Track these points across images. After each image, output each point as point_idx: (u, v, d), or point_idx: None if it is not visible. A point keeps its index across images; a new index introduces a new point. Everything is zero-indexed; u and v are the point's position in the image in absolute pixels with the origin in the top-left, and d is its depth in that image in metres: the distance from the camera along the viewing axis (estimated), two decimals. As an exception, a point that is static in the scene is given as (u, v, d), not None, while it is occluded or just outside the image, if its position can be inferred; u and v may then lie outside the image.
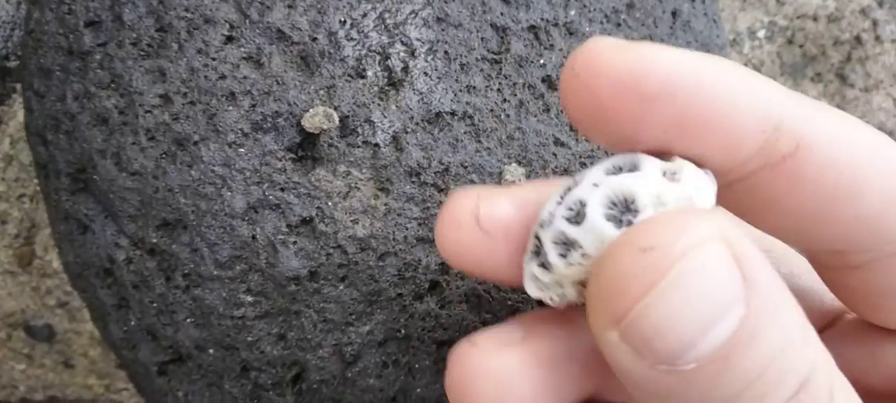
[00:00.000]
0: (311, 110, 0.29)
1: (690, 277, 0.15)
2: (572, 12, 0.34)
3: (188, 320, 0.29)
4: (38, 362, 0.47)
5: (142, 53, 0.30)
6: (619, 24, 0.35)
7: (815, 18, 0.49)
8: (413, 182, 0.30)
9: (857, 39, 0.50)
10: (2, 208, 0.40)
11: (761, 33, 0.50)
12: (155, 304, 0.29)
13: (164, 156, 0.29)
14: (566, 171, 0.31)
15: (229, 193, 0.29)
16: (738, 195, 0.19)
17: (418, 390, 0.30)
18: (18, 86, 0.40)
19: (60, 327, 0.42)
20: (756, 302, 0.15)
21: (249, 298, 0.29)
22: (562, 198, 0.19)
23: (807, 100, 0.19)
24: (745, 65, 0.49)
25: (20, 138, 0.40)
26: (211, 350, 0.29)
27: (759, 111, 0.18)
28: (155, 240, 0.29)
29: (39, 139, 0.32)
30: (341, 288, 0.29)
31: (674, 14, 0.36)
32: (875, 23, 0.50)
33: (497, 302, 0.30)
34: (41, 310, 0.42)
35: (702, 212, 0.17)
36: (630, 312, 0.15)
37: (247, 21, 0.30)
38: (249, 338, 0.29)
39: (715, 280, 0.15)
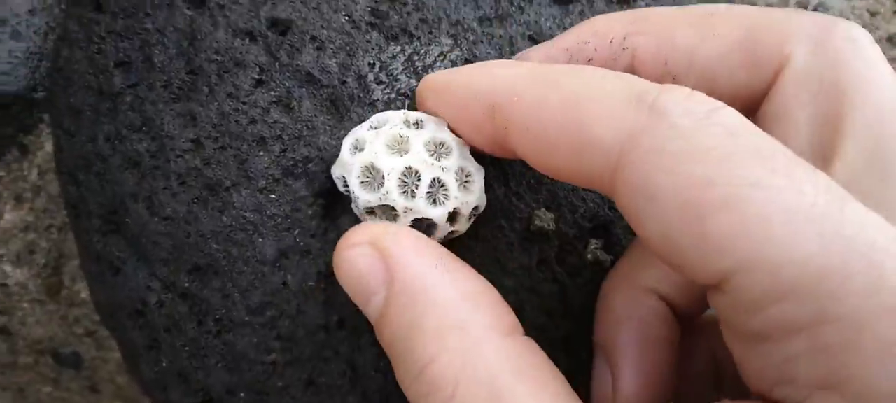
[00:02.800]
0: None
1: (344, 267, 0.24)
2: (601, 51, 0.34)
3: (219, 364, 0.29)
4: (64, 385, 0.48)
5: (173, 96, 0.30)
6: (648, 63, 0.34)
7: None
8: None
9: (887, 65, 0.49)
10: (30, 238, 0.41)
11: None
12: (186, 348, 0.29)
13: (195, 201, 0.29)
14: (594, 217, 0.31)
15: (260, 239, 0.29)
16: None
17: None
18: (46, 116, 0.41)
19: (87, 355, 0.43)
20: (394, 291, 0.23)
21: (279, 344, 0.29)
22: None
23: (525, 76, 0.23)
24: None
25: (48, 169, 0.40)
26: (242, 394, 0.29)
27: (479, 93, 0.24)
28: (187, 285, 0.29)
29: (70, 178, 0.32)
30: (372, 335, 0.29)
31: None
32: (905, 48, 0.50)
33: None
34: (69, 338, 0.42)
35: (377, 225, 0.25)
36: None
37: (277, 64, 0.30)
38: (279, 384, 0.29)
39: (358, 269, 0.23)
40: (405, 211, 0.25)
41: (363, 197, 0.26)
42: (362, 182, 0.26)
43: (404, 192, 0.25)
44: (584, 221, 0.31)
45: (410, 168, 0.25)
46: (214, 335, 0.29)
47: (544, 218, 0.30)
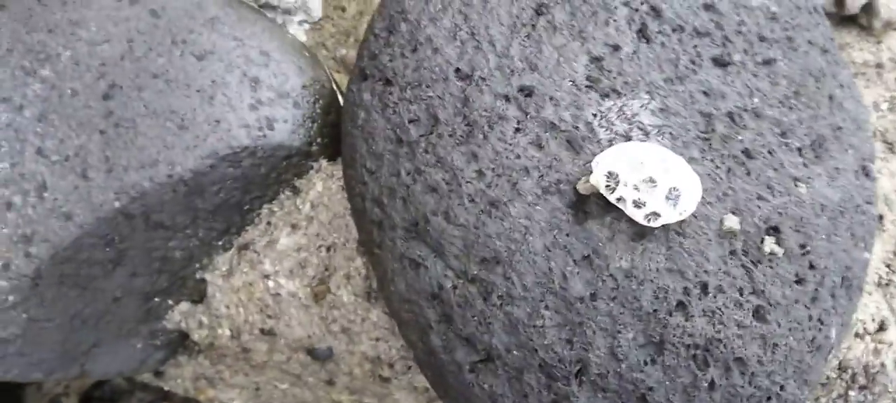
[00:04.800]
0: (581, 178, 0.41)
1: None
2: (756, 100, 0.45)
3: (501, 329, 0.40)
4: (303, 380, 0.60)
5: (457, 142, 0.43)
6: (791, 108, 0.46)
7: (930, 91, 0.59)
8: (660, 229, 0.41)
9: (969, 107, 0.59)
10: (303, 256, 0.53)
11: (884, 105, 0.60)
12: (475, 318, 0.41)
13: (482, 212, 0.41)
14: (768, 220, 0.42)
15: (531, 237, 0.40)
16: None
17: (669, 382, 0.40)
18: (315, 164, 0.54)
19: (338, 349, 0.54)
20: None
21: (547, 313, 0.40)
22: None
23: None
24: (873, 134, 0.59)
25: (319, 203, 0.53)
26: (515, 352, 0.40)
27: None
28: (476, 272, 0.41)
29: (375, 203, 0.45)
30: (612, 305, 0.40)
31: (830, 98, 0.47)
32: (984, 92, 0.59)
33: (727, 317, 0.40)
34: (325, 336, 0.54)
35: None
36: None
37: (527, 116, 0.43)
38: (545, 342, 0.40)
39: None
40: (663, 180, 0.37)
41: (632, 174, 0.38)
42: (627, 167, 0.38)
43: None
44: (760, 223, 0.42)
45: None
46: (498, 307, 0.40)
47: (732, 221, 0.41)
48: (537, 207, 0.41)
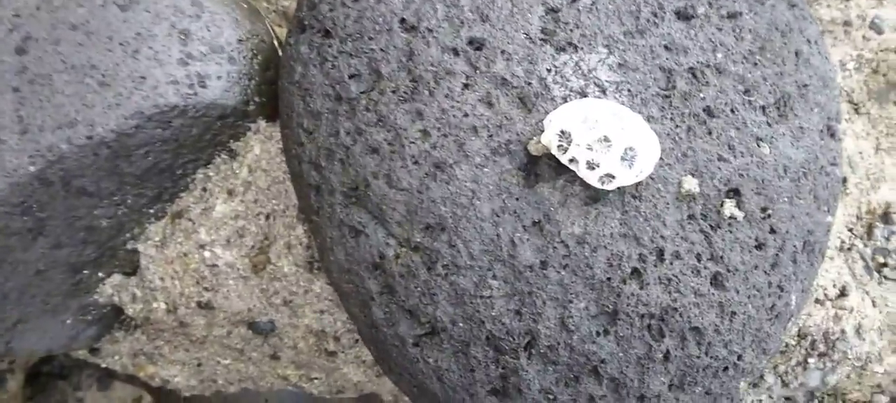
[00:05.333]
0: (533, 139, 0.38)
1: None
2: (719, 55, 0.43)
3: (445, 300, 0.38)
4: (246, 355, 0.57)
5: (401, 99, 0.39)
6: (755, 64, 0.43)
7: (896, 50, 0.57)
8: (615, 191, 0.38)
9: (935, 67, 0.57)
10: (241, 224, 0.49)
11: (851, 65, 0.58)
12: (418, 289, 0.38)
13: (426, 175, 0.38)
14: (729, 181, 0.40)
15: (478, 202, 0.37)
16: None
17: (622, 354, 0.38)
18: (253, 125, 0.50)
19: (280, 322, 0.51)
20: None
21: (495, 282, 0.37)
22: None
23: None
24: (839, 93, 0.57)
25: (257, 167, 0.49)
26: (461, 324, 0.38)
27: None
28: (419, 240, 0.38)
29: (312, 166, 0.41)
30: (563, 273, 0.37)
31: (797, 54, 0.45)
32: (949, 52, 0.58)
33: (683, 285, 0.38)
34: (267, 309, 0.51)
35: None
36: None
37: (477, 72, 0.40)
38: (493, 313, 0.37)
39: None
40: (618, 140, 0.34)
41: (585, 133, 0.35)
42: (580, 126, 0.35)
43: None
44: (720, 185, 0.39)
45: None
46: (443, 277, 0.38)
47: (690, 183, 0.39)
48: (485, 169, 0.38)
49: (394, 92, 0.40)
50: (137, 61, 0.47)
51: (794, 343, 0.50)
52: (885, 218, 0.54)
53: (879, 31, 0.59)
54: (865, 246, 0.53)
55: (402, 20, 0.41)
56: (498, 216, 0.37)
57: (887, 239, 0.54)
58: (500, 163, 0.38)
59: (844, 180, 0.54)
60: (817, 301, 0.50)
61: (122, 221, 0.51)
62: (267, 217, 0.50)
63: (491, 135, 0.38)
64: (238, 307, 0.51)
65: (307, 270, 0.49)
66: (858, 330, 0.51)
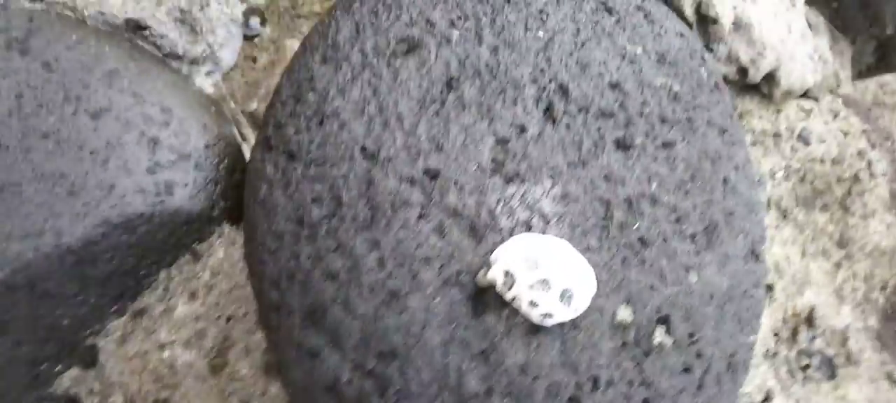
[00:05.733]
0: (481, 270, 0.41)
1: None
2: (654, 185, 0.46)
3: (397, 424, 0.40)
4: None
5: (359, 227, 0.42)
6: (686, 193, 0.47)
7: (821, 161, 0.62)
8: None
9: (856, 177, 0.63)
10: (201, 326, 0.51)
11: (780, 174, 0.63)
12: (371, 412, 0.40)
13: (381, 304, 0.41)
14: (659, 309, 0.43)
15: (429, 332, 0.40)
16: None
17: (560, 474, 0.41)
18: (217, 229, 0.52)
19: (238, 420, 0.53)
20: None
21: (443, 408, 0.40)
22: None
23: None
24: (768, 200, 0.62)
25: (219, 271, 0.51)
26: (411, 446, 0.40)
27: None
28: (372, 366, 0.40)
29: (273, 286, 0.43)
30: (506, 401, 0.40)
31: (724, 181, 0.49)
32: (870, 162, 0.63)
33: (617, 409, 0.41)
34: (225, 406, 0.52)
35: None
36: None
37: (431, 202, 0.43)
38: (441, 437, 0.40)
39: None
40: (557, 282, 0.38)
41: (527, 275, 0.38)
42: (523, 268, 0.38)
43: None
44: (651, 313, 0.43)
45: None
46: None
47: (624, 313, 0.42)
48: (436, 299, 0.41)
49: (353, 220, 0.42)
50: (106, 170, 0.48)
51: (724, 443, 0.54)
52: (809, 321, 0.59)
53: (806, 143, 0.64)
54: (790, 349, 0.57)
55: (364, 148, 0.44)
56: (447, 345, 0.40)
57: (811, 341, 0.58)
58: (450, 293, 0.41)
59: (770, 287, 0.58)
60: (745, 405, 0.54)
61: (84, 319, 0.52)
62: (227, 319, 0.51)
63: (443, 266, 0.41)
64: (196, 404, 0.53)
65: (264, 373, 0.51)
66: (783, 431, 0.55)
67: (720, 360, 0.44)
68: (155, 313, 0.52)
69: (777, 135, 0.63)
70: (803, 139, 0.64)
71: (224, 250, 0.52)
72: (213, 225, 0.52)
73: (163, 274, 0.52)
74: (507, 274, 0.39)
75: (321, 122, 0.45)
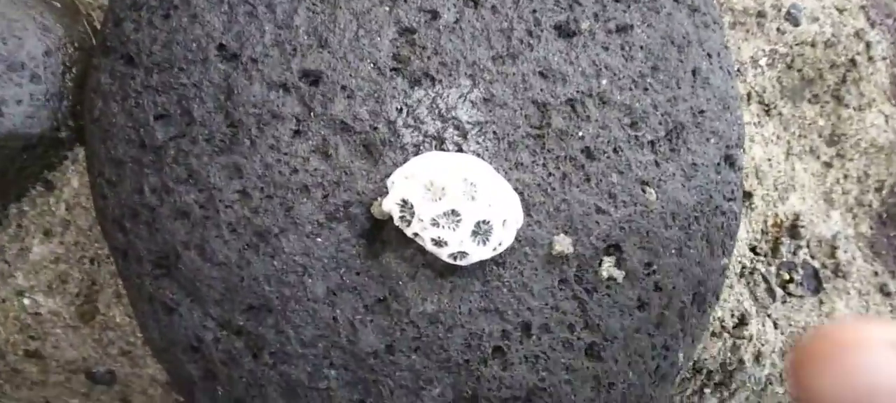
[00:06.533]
0: (377, 199, 0.32)
1: (864, 370, 0.19)
2: (604, 82, 0.37)
3: (276, 393, 0.32)
4: (95, 398, 0.50)
5: (216, 149, 0.32)
6: (646, 89, 0.37)
7: (812, 44, 0.53)
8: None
9: (852, 62, 0.53)
10: (61, 269, 0.42)
11: (763, 61, 0.53)
12: (244, 379, 0.32)
13: (246, 247, 0.31)
14: (607, 237, 0.35)
15: (310, 280, 0.31)
16: None
17: (483, 442, 0.33)
18: (70, 154, 0.42)
19: (121, 372, 0.45)
20: None
21: (333, 372, 0.32)
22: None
23: None
24: (747, 93, 0.52)
25: (76, 204, 0.42)
26: (296, 418, 0.32)
27: None
28: (241, 323, 0.32)
29: (116, 226, 0.34)
30: (414, 357, 0.32)
31: (694, 72, 0.39)
32: (868, 44, 0.53)
33: (553, 362, 0.33)
34: (103, 358, 0.44)
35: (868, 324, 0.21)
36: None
37: (311, 114, 0.33)
38: (332, 407, 0.32)
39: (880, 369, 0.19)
40: (469, 213, 0.28)
41: (429, 206, 0.29)
42: (424, 196, 0.29)
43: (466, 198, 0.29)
44: (598, 242, 0.34)
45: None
46: (270, 367, 0.32)
47: (563, 243, 0.33)
48: (318, 239, 0.32)
49: (207, 140, 0.32)
50: None
51: (688, 375, 0.47)
52: (793, 231, 0.51)
53: (796, 23, 0.54)
54: (770, 265, 0.49)
55: (221, 46, 0.33)
56: (335, 294, 0.32)
57: (793, 253, 0.50)
58: (336, 230, 0.32)
59: (749, 195, 0.50)
60: (714, 333, 0.47)
61: (-79, 266, 0.43)
62: (91, 261, 0.42)
63: (326, 196, 0.32)
64: (71, 356, 0.45)
65: (143, 324, 0.42)
66: (757, 358, 0.48)
67: (684, 292, 0.36)
68: (9, 254, 0.43)
69: (761, 15, 0.53)
70: (792, 18, 0.53)
71: (79, 178, 0.42)
72: (62, 149, 0.42)
73: (13, 209, 0.43)
74: (404, 203, 0.29)
75: (166, 15, 0.34)
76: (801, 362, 0.21)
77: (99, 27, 0.46)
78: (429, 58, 0.34)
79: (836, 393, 0.20)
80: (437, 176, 0.29)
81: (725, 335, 0.47)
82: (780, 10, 0.53)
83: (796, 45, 0.53)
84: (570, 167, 0.35)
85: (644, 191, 0.36)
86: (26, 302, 0.43)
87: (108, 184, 0.34)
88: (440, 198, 0.29)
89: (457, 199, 0.29)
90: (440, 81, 0.34)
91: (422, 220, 0.29)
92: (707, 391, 0.48)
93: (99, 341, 0.44)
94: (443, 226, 0.29)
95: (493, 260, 0.32)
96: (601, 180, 0.35)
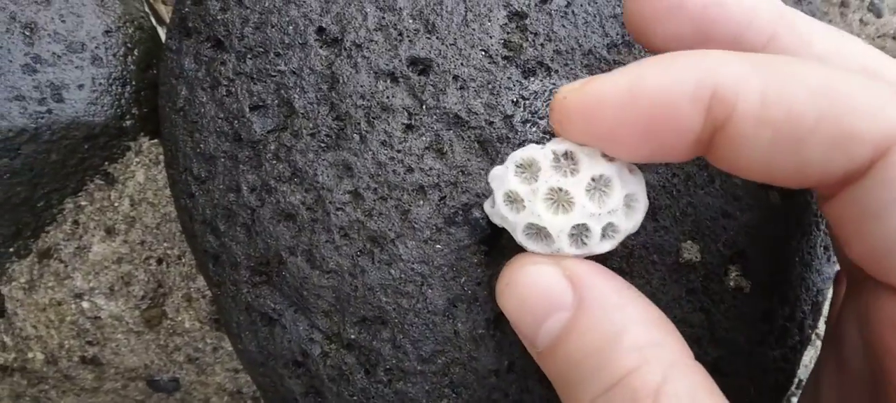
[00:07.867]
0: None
1: (523, 284, 0.24)
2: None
3: (388, 411, 0.30)
4: (151, 406, 0.47)
5: (322, 145, 0.29)
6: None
7: (894, 37, 0.51)
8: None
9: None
10: (125, 270, 0.39)
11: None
12: (355, 397, 0.30)
13: (360, 254, 0.29)
14: (733, 244, 0.32)
15: (430, 290, 0.29)
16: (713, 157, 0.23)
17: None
18: (133, 144, 0.39)
19: (186, 380, 0.42)
20: (585, 307, 0.22)
21: (451, 391, 0.29)
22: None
23: (749, 58, 0.21)
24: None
25: (141, 199, 0.39)
26: (409, 437, 0.30)
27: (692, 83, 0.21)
28: (353, 336, 0.29)
29: (207, 227, 0.31)
30: (536, 377, 0.30)
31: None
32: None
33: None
34: (168, 365, 0.42)
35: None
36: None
37: (423, 106, 0.30)
38: (449, 426, 0.30)
39: (541, 287, 0.23)
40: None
41: (534, 247, 0.26)
42: (528, 235, 0.26)
43: (575, 243, 0.25)
44: (724, 249, 0.32)
45: (578, 225, 0.25)
46: (385, 384, 0.29)
47: (691, 251, 0.31)
48: (438, 245, 0.29)
49: (312, 135, 0.30)
50: (-38, 70, 0.35)
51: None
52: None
53: (878, 14, 0.51)
54: None
55: (321, 30, 0.31)
56: (455, 307, 0.29)
57: None
58: (455, 235, 0.29)
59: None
60: (806, 337, 0.45)
61: (-28, 265, 0.40)
62: (159, 262, 0.39)
63: (443, 198, 0.29)
64: (132, 363, 0.42)
65: (214, 328, 0.40)
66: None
67: (805, 301, 0.34)
68: (65, 253, 0.40)
69: (844, 4, 0.51)
70: (875, 9, 0.51)
71: (144, 173, 0.39)
72: (126, 139, 0.39)
73: (69, 204, 0.40)
74: (510, 196, 0.26)
75: (261, -7, 0.31)
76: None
77: (154, 4, 0.42)
78: (541, 45, 0.32)
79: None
80: (560, 145, 0.25)
81: (819, 343, 0.45)
82: (863, 1, 0.51)
83: (878, 36, 0.51)
84: (692, 166, 0.32)
85: (767, 193, 0.33)
86: (85, 305, 0.40)
87: (196, 181, 0.31)
88: (573, 172, 0.25)
89: (600, 164, 0.25)
90: (556, 71, 0.31)
91: (573, 201, 0.25)
92: (794, 399, 0.46)
93: (164, 347, 0.41)
94: (591, 198, 0.25)
95: (620, 269, 0.30)
96: (726, 180, 0.33)
